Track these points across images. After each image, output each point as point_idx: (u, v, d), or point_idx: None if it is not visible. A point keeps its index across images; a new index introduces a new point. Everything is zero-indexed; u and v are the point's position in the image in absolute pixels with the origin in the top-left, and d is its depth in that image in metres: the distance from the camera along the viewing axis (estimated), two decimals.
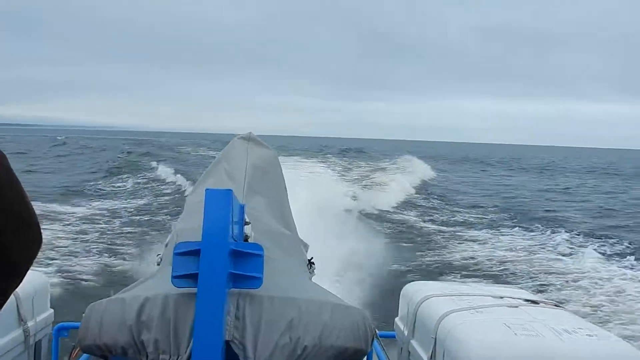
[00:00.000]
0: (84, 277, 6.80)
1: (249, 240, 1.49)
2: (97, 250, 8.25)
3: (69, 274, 6.87)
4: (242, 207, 1.47)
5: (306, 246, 2.13)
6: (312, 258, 2.06)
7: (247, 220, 1.49)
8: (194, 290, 1.20)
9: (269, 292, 1.31)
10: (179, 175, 17.90)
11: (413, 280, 2.14)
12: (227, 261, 1.21)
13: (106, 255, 8.00)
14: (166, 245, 1.78)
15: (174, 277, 1.26)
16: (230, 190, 1.25)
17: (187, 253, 1.25)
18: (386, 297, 5.35)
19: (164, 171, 19.65)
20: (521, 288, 2.04)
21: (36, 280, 2.11)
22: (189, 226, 1.62)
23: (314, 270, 2.05)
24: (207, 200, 1.21)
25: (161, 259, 1.77)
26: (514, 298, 1.94)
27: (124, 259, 7.71)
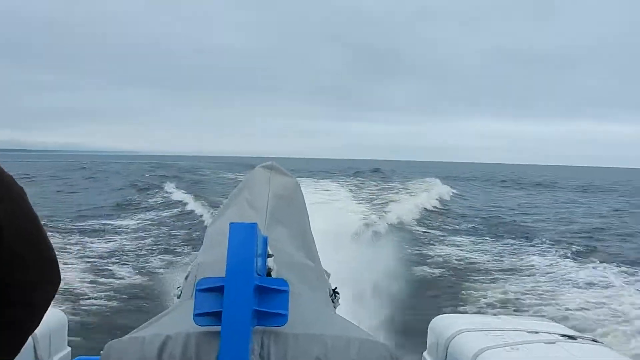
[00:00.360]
0: (103, 307, 6.73)
1: (272, 273, 1.44)
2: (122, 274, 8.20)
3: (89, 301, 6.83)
4: (265, 240, 1.43)
5: (328, 275, 2.07)
6: (335, 288, 1.99)
7: (270, 252, 1.45)
8: (217, 328, 1.15)
9: (293, 329, 1.25)
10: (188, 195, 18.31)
11: (441, 313, 2.06)
12: (251, 298, 1.16)
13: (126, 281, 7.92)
14: (186, 278, 1.73)
15: (196, 314, 1.21)
16: (255, 224, 1.20)
17: (210, 289, 1.21)
18: (411, 327, 5.24)
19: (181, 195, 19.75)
20: (554, 321, 1.94)
21: (54, 317, 2.06)
22: (211, 259, 1.57)
23: (339, 300, 1.99)
24: (232, 234, 1.17)
25: (181, 292, 1.73)
26: (550, 333, 1.84)
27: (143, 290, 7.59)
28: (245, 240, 1.17)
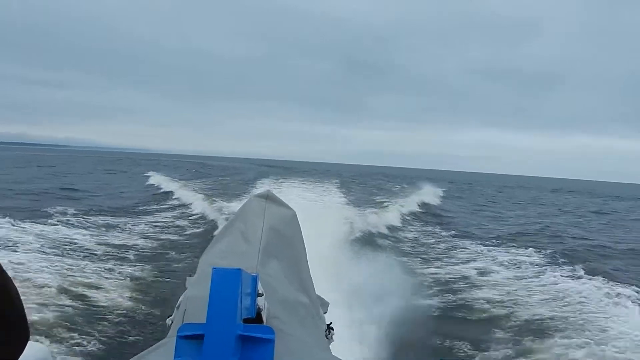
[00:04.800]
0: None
1: (262, 314, 1.36)
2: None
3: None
4: (254, 279, 1.34)
5: (325, 305, 1.98)
6: (331, 323, 1.91)
7: (261, 291, 1.36)
8: None
9: None
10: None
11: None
12: (232, 349, 1.08)
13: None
14: (177, 308, 1.65)
15: None
16: (239, 270, 1.12)
17: (191, 337, 1.12)
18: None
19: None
20: None
21: (37, 353, 1.96)
22: (201, 294, 1.50)
23: (333, 337, 1.90)
24: (214, 281, 1.09)
25: (172, 322, 1.65)
26: None
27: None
28: (228, 288, 1.09)
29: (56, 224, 11.97)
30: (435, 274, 10.07)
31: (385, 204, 20.29)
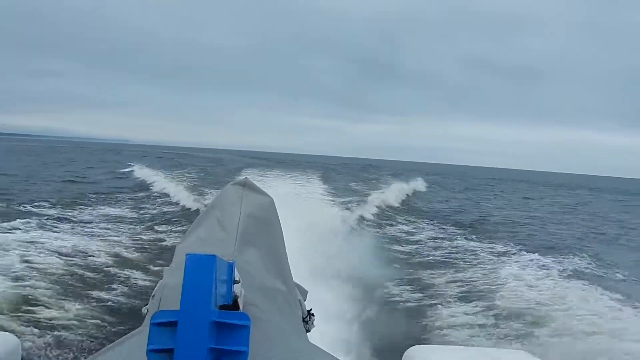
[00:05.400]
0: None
1: (239, 301, 1.36)
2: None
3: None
4: (231, 265, 1.33)
5: (304, 293, 1.98)
6: (310, 309, 1.91)
7: (237, 278, 1.35)
8: None
9: None
10: None
11: (416, 343, 1.98)
12: (206, 335, 1.06)
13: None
14: (152, 297, 1.63)
15: (149, 350, 1.11)
16: (213, 256, 1.11)
17: (165, 324, 1.11)
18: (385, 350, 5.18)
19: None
20: (529, 352, 1.88)
21: (6, 343, 1.88)
22: (176, 282, 1.48)
23: (314, 322, 1.91)
24: (187, 267, 1.07)
25: (147, 311, 1.63)
26: None
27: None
28: (202, 275, 1.07)
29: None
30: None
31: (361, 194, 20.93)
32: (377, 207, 17.09)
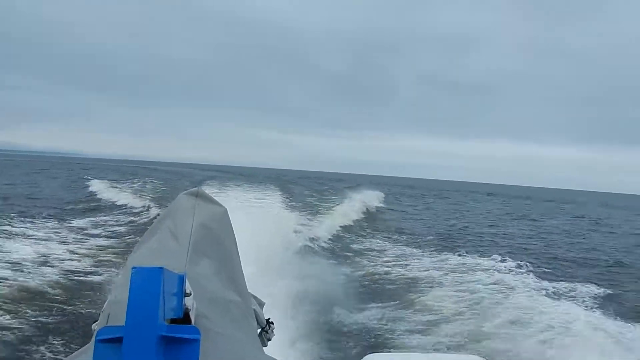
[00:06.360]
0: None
1: (190, 314, 1.32)
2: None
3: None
4: (181, 278, 1.29)
5: (262, 304, 1.95)
6: (269, 318, 1.88)
7: (188, 290, 1.32)
8: None
9: None
10: None
11: (374, 351, 1.98)
12: (154, 351, 1.02)
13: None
14: (102, 313, 1.57)
15: None
16: (160, 269, 1.07)
17: (110, 340, 1.06)
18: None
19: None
20: (480, 355, 1.90)
21: None
22: (125, 296, 1.43)
23: (273, 331, 1.88)
24: (133, 280, 1.03)
25: (96, 328, 1.57)
26: None
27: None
28: (148, 288, 1.03)
29: None
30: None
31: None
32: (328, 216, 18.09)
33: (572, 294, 9.11)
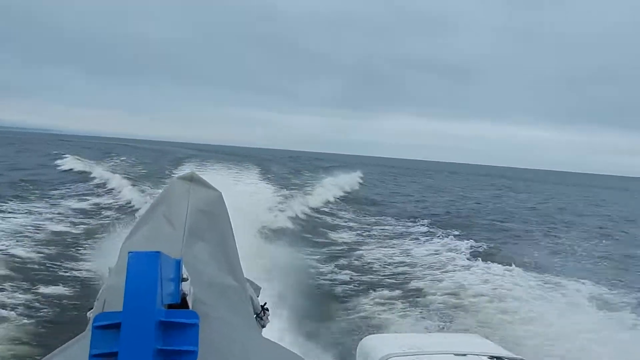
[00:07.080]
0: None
1: (187, 299, 1.30)
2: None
3: None
4: (178, 262, 1.27)
5: (258, 289, 1.94)
6: (265, 304, 1.88)
7: (185, 275, 1.30)
8: None
9: None
10: None
11: (370, 332, 2.00)
12: (152, 336, 1.01)
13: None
14: (97, 300, 1.54)
15: (92, 355, 1.04)
16: (158, 253, 1.05)
17: (108, 327, 1.04)
18: (338, 339, 5.26)
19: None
20: (483, 336, 1.94)
21: None
22: (121, 282, 1.40)
23: (268, 317, 1.88)
24: (130, 266, 1.01)
25: (92, 315, 1.55)
26: (477, 354, 1.83)
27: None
28: (146, 273, 1.01)
29: None
30: None
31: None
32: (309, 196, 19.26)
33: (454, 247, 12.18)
